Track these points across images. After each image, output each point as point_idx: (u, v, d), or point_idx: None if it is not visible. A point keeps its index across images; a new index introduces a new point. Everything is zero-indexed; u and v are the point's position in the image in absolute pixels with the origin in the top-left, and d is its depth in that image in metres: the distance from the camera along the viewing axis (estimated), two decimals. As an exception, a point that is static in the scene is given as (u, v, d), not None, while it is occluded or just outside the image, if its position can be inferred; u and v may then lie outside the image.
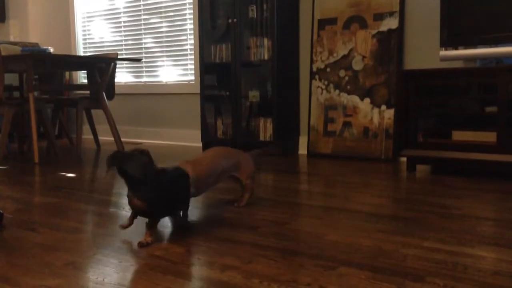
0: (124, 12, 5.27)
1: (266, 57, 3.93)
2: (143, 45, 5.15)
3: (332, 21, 3.83)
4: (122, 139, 5.19)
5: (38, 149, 3.75)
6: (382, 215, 2.06)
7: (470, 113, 2.96)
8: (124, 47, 5.31)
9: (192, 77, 4.79)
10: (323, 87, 3.86)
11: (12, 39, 6.19)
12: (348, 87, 3.74)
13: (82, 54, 5.68)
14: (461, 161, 2.90)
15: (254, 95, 4.02)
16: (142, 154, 1.68)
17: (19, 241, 1.77)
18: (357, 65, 3.70)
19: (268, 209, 2.20)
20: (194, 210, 2.18)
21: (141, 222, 1.85)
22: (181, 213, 2.03)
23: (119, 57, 5.04)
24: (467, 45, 2.97)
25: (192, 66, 4.77)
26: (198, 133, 4.69)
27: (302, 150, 4.09)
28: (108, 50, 5.44)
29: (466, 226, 1.87)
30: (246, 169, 2.19)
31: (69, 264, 1.52)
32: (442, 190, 2.54)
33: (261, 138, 4.00)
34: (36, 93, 4.86)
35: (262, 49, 3.95)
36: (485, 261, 1.50)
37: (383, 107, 3.59)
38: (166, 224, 1.95)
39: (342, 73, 3.77)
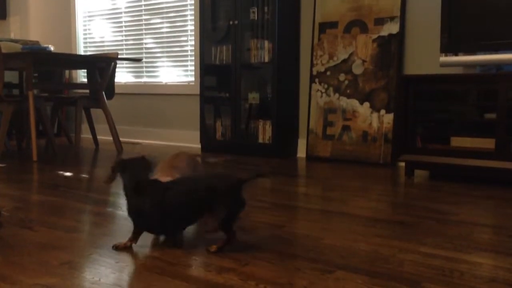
0: (125, 12, 5.27)
1: (266, 59, 3.93)
2: (144, 45, 5.15)
3: (333, 24, 3.83)
4: (121, 139, 5.18)
5: (37, 147, 3.74)
6: (379, 220, 2.06)
7: (469, 119, 2.96)
8: (124, 47, 5.31)
9: (192, 78, 4.79)
10: (323, 90, 3.87)
11: (12, 36, 6.18)
12: (348, 91, 3.74)
13: (82, 53, 5.68)
14: (459, 167, 2.90)
15: (253, 97, 4.02)
16: (140, 161, 1.69)
17: (16, 239, 1.77)
18: (357, 69, 3.71)
19: (266, 211, 2.20)
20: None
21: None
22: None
23: (119, 56, 5.04)
24: (468, 52, 2.97)
25: (192, 67, 4.78)
26: (197, 134, 4.69)
27: (301, 153, 4.09)
28: (108, 49, 5.44)
29: (463, 232, 1.87)
30: None
31: (66, 263, 1.52)
32: (440, 196, 2.55)
33: (260, 140, 4.00)
34: (35, 91, 4.85)
35: (262, 51, 3.95)
36: (482, 268, 1.50)
37: (383, 111, 3.59)
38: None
39: (342, 77, 3.78)
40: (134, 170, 1.66)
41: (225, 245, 1.64)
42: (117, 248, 1.66)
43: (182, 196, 1.63)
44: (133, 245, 1.68)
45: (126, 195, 1.66)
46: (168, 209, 1.62)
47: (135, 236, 1.68)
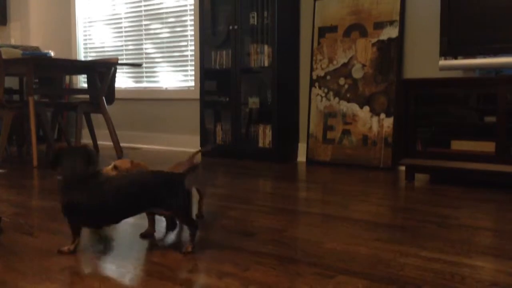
0: (125, 18, 5.29)
1: (266, 63, 3.94)
2: (144, 51, 5.16)
3: (333, 29, 3.84)
4: (121, 144, 5.19)
5: (37, 152, 3.74)
6: (380, 224, 2.05)
7: (469, 122, 2.97)
8: (124, 52, 5.32)
9: (192, 83, 4.79)
10: (323, 94, 3.87)
11: (13, 42, 6.20)
12: (348, 95, 3.75)
13: (82, 58, 5.69)
14: (459, 171, 2.90)
15: (253, 101, 4.02)
16: (80, 152, 1.65)
17: (16, 245, 1.77)
18: (357, 73, 3.71)
19: (266, 216, 2.20)
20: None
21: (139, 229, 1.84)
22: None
23: (119, 62, 5.05)
24: (467, 55, 2.97)
25: (192, 72, 4.78)
26: (197, 139, 4.69)
27: (301, 157, 4.09)
28: (108, 55, 5.45)
29: (464, 236, 1.87)
30: None
31: (66, 269, 1.52)
32: (441, 200, 2.54)
33: (260, 144, 4.00)
34: (36, 97, 4.86)
35: (262, 56, 3.96)
36: (483, 272, 1.49)
37: (383, 115, 3.59)
38: (163, 230, 1.95)
39: (341, 81, 3.78)
40: (73, 162, 1.62)
41: (194, 240, 1.68)
42: (61, 252, 1.65)
43: (120, 190, 1.60)
44: (134, 250, 1.68)
45: (62, 188, 1.61)
46: (106, 202, 1.59)
47: (75, 237, 1.66)
